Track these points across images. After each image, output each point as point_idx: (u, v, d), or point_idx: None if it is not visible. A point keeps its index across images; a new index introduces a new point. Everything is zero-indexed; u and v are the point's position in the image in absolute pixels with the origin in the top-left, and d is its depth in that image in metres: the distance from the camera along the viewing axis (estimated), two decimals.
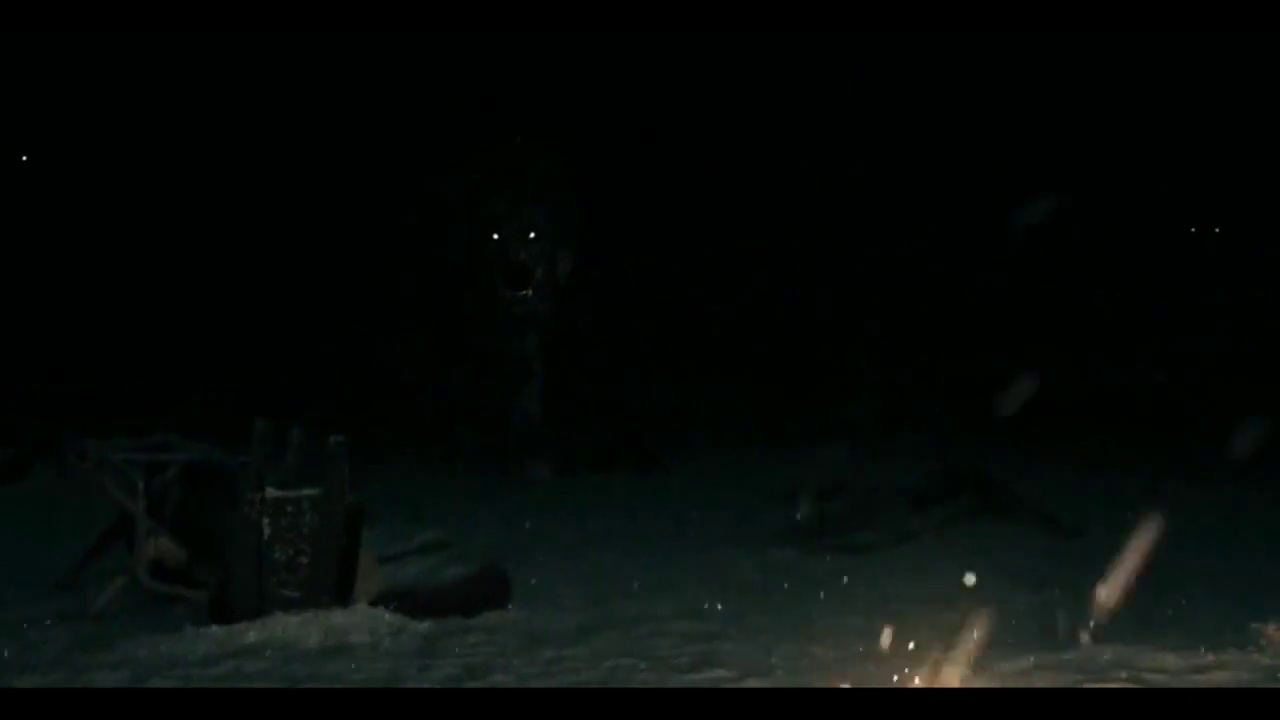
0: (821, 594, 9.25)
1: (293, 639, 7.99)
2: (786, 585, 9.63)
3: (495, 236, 15.52)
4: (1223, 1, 15.33)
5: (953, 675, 7.10)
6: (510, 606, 8.88)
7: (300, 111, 17.96)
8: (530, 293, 15.54)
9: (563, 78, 16.73)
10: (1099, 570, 9.45)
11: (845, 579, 9.69)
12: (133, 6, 15.03)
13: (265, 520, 8.36)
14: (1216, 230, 20.84)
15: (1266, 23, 14.88)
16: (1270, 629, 7.83)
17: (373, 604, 8.54)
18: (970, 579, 9.34)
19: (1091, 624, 8.18)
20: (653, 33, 16.37)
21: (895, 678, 7.11)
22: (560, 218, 15.91)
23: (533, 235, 15.54)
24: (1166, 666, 7.31)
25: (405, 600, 8.63)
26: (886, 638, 7.85)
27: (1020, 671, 7.23)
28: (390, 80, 17.14)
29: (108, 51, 17.01)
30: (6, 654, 7.84)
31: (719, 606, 8.96)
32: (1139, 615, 8.58)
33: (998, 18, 15.85)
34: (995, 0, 15.75)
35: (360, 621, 8.31)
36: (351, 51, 16.76)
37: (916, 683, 7.04)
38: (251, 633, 8.05)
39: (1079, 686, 6.87)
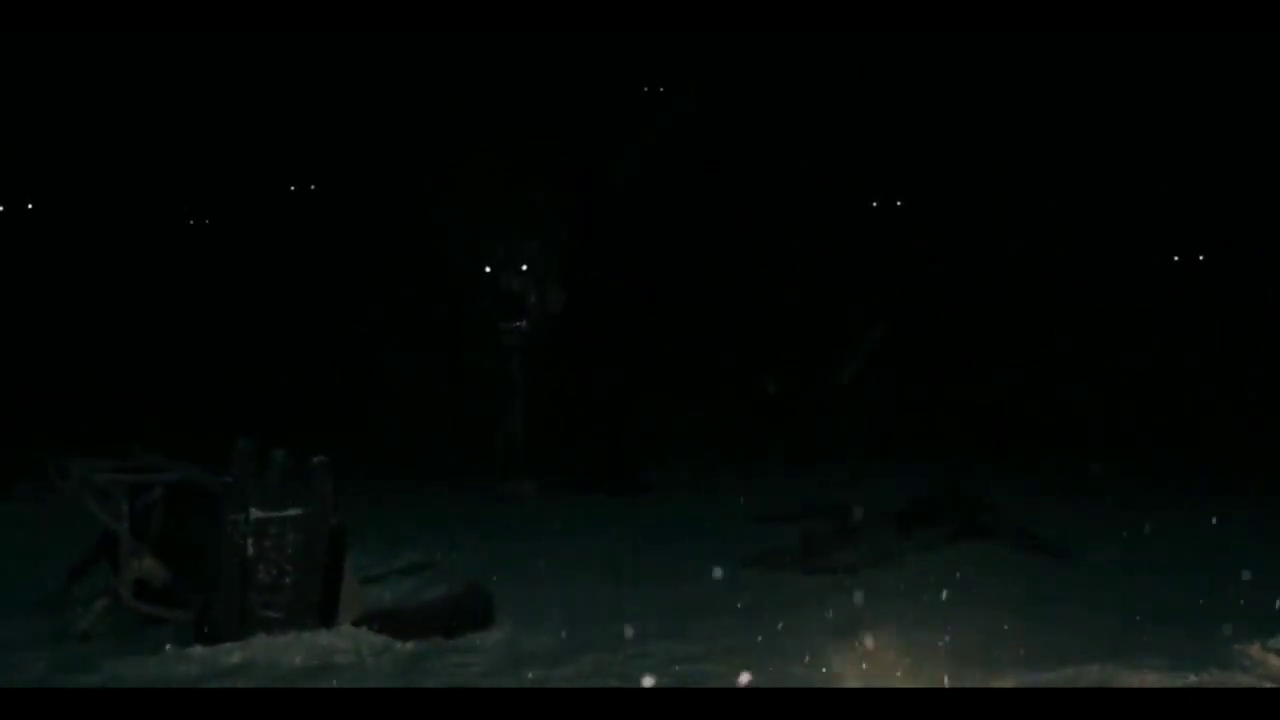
0: (804, 615, 9.24)
1: (276, 660, 8.00)
2: (768, 607, 9.60)
3: (488, 270, 15.54)
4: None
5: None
6: (493, 627, 8.89)
7: (280, 124, 17.95)
8: (524, 323, 15.56)
9: (552, 88, 16.78)
10: (1083, 591, 9.52)
11: (827, 600, 9.69)
12: (123, 7, 15.00)
13: (249, 541, 8.35)
14: (1201, 258, 20.90)
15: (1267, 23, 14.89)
16: (1254, 649, 7.87)
17: (356, 624, 8.55)
18: (953, 600, 9.41)
19: None
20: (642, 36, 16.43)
21: None
22: (551, 247, 15.93)
23: (525, 267, 15.57)
24: (1149, 687, 7.34)
25: (389, 621, 8.64)
26: (869, 660, 7.88)
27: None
28: (381, 86, 17.15)
29: (93, 53, 16.98)
30: None
31: (702, 628, 8.96)
32: (1122, 636, 8.61)
33: (998, 18, 15.88)
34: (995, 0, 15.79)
35: (344, 642, 8.32)
36: (338, 57, 16.76)
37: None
38: (235, 653, 8.05)
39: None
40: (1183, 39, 17.28)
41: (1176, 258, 20.97)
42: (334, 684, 7.60)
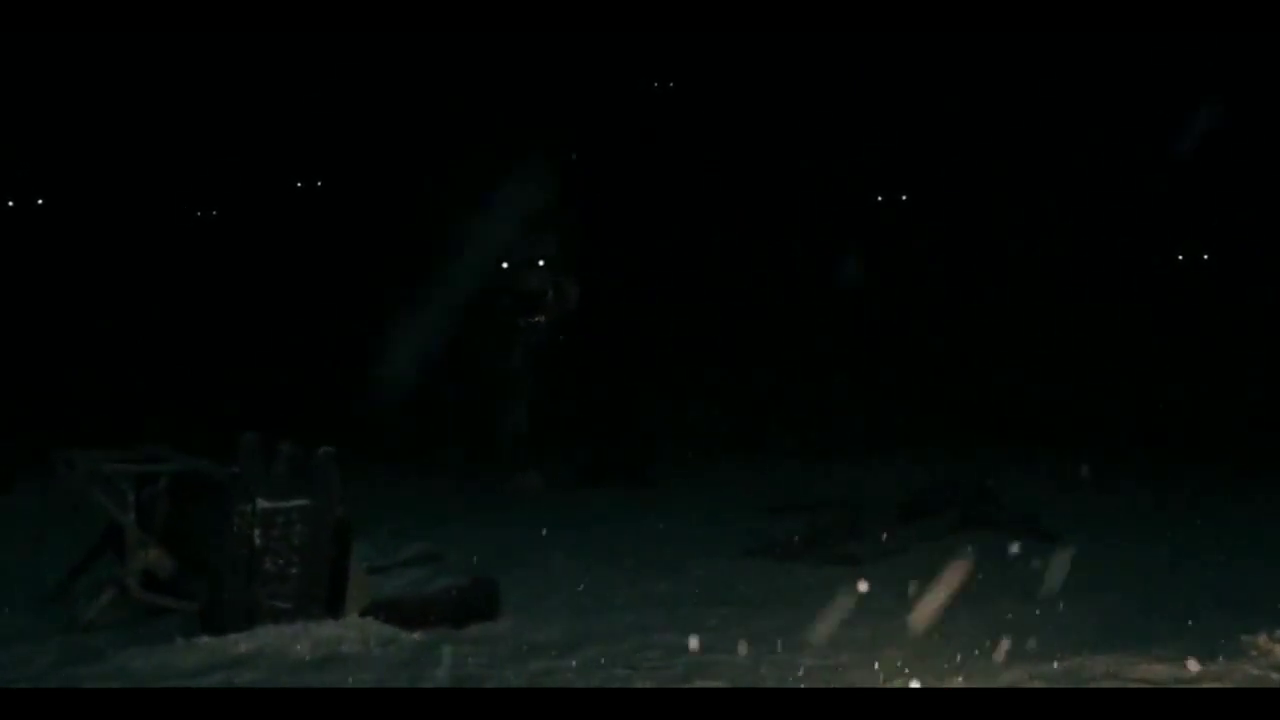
0: (809, 606, 9.23)
1: (283, 650, 7.99)
2: (775, 598, 9.63)
3: (505, 265, 15.57)
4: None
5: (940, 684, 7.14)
6: (500, 618, 8.90)
7: (284, 123, 17.97)
8: (542, 319, 15.59)
9: (552, 88, 16.80)
10: (1088, 581, 9.52)
11: (833, 591, 9.69)
12: (123, 7, 15.02)
13: (255, 531, 8.35)
14: (1205, 258, 20.92)
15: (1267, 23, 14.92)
16: (1262, 640, 7.87)
17: (363, 615, 8.54)
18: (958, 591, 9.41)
19: None
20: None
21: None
22: (566, 243, 15.95)
23: (541, 263, 15.60)
24: (1155, 677, 7.36)
25: (395, 611, 8.63)
26: (876, 649, 7.88)
27: (1009, 683, 7.28)
28: (382, 86, 17.17)
29: (91, 52, 16.99)
30: None
31: (708, 619, 8.95)
32: (1129, 626, 8.62)
33: (998, 18, 15.90)
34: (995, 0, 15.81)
35: (351, 632, 8.32)
36: (342, 56, 16.78)
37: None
38: (242, 644, 8.04)
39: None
40: (1183, 39, 17.32)
41: (1180, 257, 20.99)
42: (341, 674, 7.61)
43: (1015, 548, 10.97)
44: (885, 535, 11.26)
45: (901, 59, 18.63)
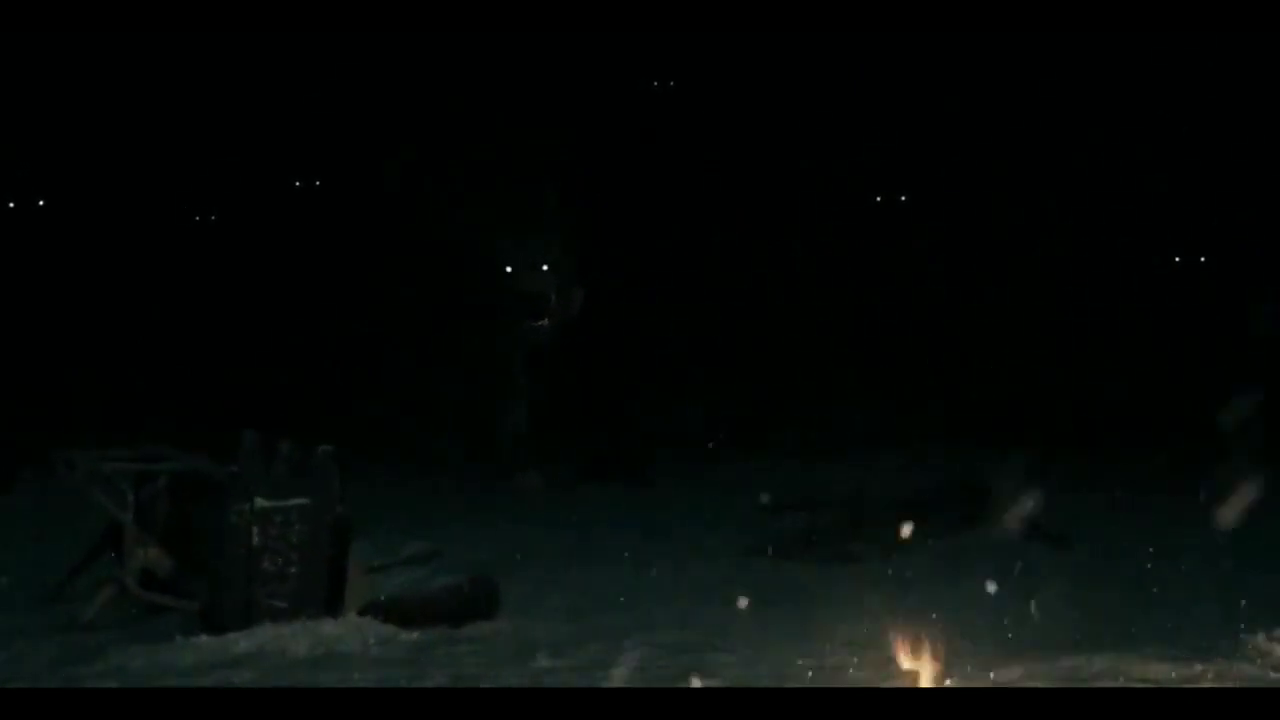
0: (810, 605, 9.24)
1: (282, 649, 8.00)
2: (775, 596, 9.61)
3: (509, 270, 15.62)
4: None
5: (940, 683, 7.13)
6: (499, 617, 8.90)
7: (285, 124, 17.97)
8: (545, 322, 15.65)
9: (552, 88, 16.81)
10: (1088, 581, 9.53)
11: (834, 590, 9.69)
12: (126, 7, 15.02)
13: (254, 530, 8.36)
14: (1202, 259, 20.91)
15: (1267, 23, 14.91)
16: (1260, 639, 7.86)
17: (361, 614, 8.54)
18: (960, 589, 9.42)
19: None
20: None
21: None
22: (569, 247, 15.98)
23: (545, 268, 15.65)
24: (1155, 676, 7.34)
25: (394, 610, 8.63)
26: (876, 648, 7.87)
27: (1008, 682, 7.27)
28: (382, 86, 17.18)
29: (93, 51, 17.00)
30: None
31: (708, 617, 8.95)
32: (1128, 625, 8.62)
33: (998, 18, 15.90)
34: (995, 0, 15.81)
35: (349, 631, 8.32)
36: (344, 52, 16.79)
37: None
38: (241, 642, 8.05)
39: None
40: (1183, 39, 17.31)
41: (1177, 258, 20.98)
42: (339, 673, 7.60)
43: (1016, 546, 10.99)
44: (885, 535, 11.25)
45: (902, 59, 18.63)
